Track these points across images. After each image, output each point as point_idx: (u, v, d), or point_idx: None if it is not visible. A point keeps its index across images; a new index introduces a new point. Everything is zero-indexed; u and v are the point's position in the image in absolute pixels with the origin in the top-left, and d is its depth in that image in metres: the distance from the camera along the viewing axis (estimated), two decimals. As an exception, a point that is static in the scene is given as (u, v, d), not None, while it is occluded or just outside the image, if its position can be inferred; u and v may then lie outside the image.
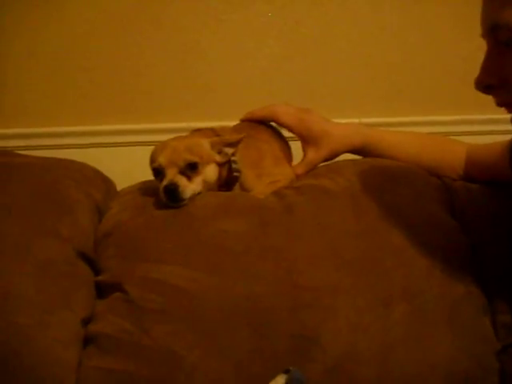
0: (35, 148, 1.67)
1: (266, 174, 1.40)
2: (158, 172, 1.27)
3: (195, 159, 1.26)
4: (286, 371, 1.08)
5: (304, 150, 1.48)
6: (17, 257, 1.18)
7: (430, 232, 1.31)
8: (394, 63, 1.92)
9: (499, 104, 1.05)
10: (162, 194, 1.25)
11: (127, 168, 1.64)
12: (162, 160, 1.26)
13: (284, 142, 1.52)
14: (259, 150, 1.42)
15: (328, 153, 1.46)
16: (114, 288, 1.21)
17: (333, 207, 1.31)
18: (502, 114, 1.47)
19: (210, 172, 1.30)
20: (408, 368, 1.15)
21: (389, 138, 1.50)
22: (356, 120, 1.86)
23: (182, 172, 1.25)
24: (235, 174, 1.35)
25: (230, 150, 1.33)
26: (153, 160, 1.29)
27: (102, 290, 1.24)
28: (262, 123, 1.50)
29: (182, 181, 1.24)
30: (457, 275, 1.26)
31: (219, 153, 1.32)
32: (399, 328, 1.18)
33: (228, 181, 1.37)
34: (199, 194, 1.29)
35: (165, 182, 1.24)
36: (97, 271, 1.28)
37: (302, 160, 1.48)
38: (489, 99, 1.87)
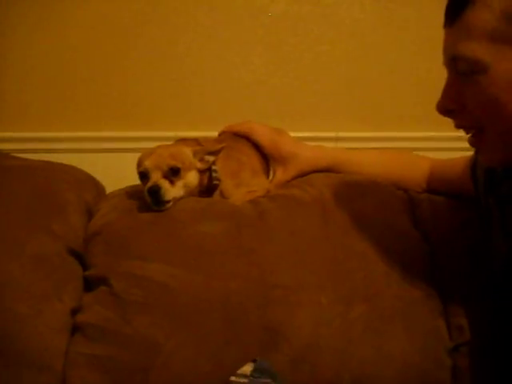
0: (31, 151, 1.74)
1: (244, 184, 1.51)
2: (144, 175, 1.37)
3: (178, 164, 1.36)
4: (254, 360, 1.19)
5: (273, 169, 1.58)
6: (13, 251, 1.29)
7: (392, 239, 1.41)
8: (371, 81, 2.01)
9: (457, 126, 1.12)
10: (146, 195, 1.35)
11: (117, 173, 1.70)
12: (147, 164, 1.36)
13: (263, 155, 1.61)
14: (239, 162, 1.53)
15: (295, 173, 1.55)
16: (101, 282, 1.31)
17: (302, 214, 1.41)
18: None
19: (191, 177, 1.41)
20: (366, 360, 1.26)
21: (354, 158, 1.59)
22: (333, 133, 1.96)
23: (166, 176, 1.35)
24: (215, 182, 1.46)
25: (210, 158, 1.43)
26: (139, 164, 1.40)
27: (90, 284, 1.35)
28: (242, 136, 1.60)
29: (164, 184, 1.34)
30: (414, 279, 1.36)
31: (200, 160, 1.42)
32: (358, 324, 1.28)
33: (209, 188, 1.47)
34: (181, 198, 1.39)
35: (149, 184, 1.34)
36: (85, 266, 1.38)
37: (271, 180, 1.58)
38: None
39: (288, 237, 1.37)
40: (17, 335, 1.21)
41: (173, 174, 1.36)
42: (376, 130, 2.03)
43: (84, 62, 1.88)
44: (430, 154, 1.63)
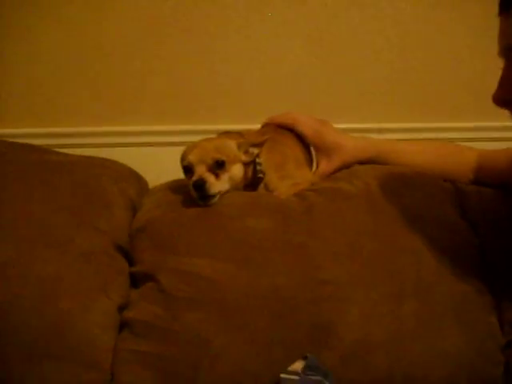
0: (74, 146, 1.75)
1: (289, 177, 1.48)
2: (188, 169, 1.36)
3: (222, 157, 1.34)
4: (304, 357, 1.17)
5: (317, 161, 1.56)
6: (62, 248, 1.29)
7: (441, 233, 1.38)
8: (414, 70, 1.97)
9: None
10: (191, 190, 1.33)
11: (158, 167, 1.71)
12: (192, 158, 1.35)
13: (306, 147, 1.59)
14: (283, 154, 1.50)
15: (339, 164, 1.53)
16: (148, 278, 1.31)
17: (350, 208, 1.39)
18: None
19: (236, 170, 1.39)
20: (417, 357, 1.23)
21: (399, 148, 1.56)
22: (376, 125, 1.93)
23: (210, 170, 1.33)
24: (259, 175, 1.44)
25: (255, 151, 1.41)
26: (183, 158, 1.38)
27: (136, 280, 1.34)
28: (285, 128, 1.58)
29: (209, 178, 1.32)
30: (465, 274, 1.33)
31: (245, 153, 1.41)
32: (409, 320, 1.26)
33: (253, 181, 1.45)
34: (226, 192, 1.37)
35: (194, 178, 1.32)
36: (131, 262, 1.37)
37: (315, 171, 1.55)
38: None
39: (336, 231, 1.34)
40: (65, 332, 1.21)
41: (218, 167, 1.34)
42: (420, 121, 1.99)
43: (125, 56, 1.86)
44: (476, 145, 1.59)
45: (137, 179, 1.59)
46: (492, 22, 1.07)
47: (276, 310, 1.24)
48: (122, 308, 1.30)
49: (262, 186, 1.46)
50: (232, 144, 1.40)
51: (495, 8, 1.03)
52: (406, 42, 1.96)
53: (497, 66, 1.05)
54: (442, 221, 1.41)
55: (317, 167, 1.56)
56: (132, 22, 1.88)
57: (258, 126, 1.58)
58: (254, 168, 1.44)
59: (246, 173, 1.42)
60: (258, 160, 1.44)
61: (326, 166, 1.53)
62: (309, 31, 1.92)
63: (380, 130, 1.93)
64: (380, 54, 1.96)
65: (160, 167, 1.71)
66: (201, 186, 1.31)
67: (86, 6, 1.84)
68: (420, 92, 2.00)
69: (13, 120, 1.91)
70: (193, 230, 1.33)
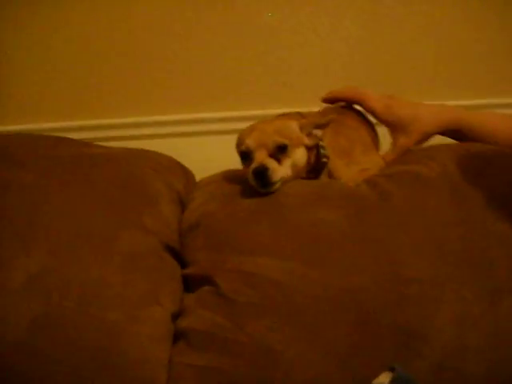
0: (112, 139, 1.63)
1: (356, 163, 1.34)
2: (246, 155, 1.22)
3: (285, 141, 1.20)
4: (391, 369, 1.01)
5: (393, 137, 1.40)
6: (102, 250, 1.15)
7: None
8: (479, 43, 1.82)
9: None
10: (250, 178, 1.19)
11: (204, 158, 1.59)
12: (250, 142, 1.21)
13: (372, 127, 1.46)
14: (348, 138, 1.36)
15: (419, 136, 1.38)
16: (204, 281, 1.16)
17: (429, 193, 1.23)
18: None
19: (300, 155, 1.24)
20: (519, 364, 1.08)
21: (485, 120, 1.41)
22: (438, 103, 1.76)
23: (271, 155, 1.20)
24: (323, 159, 1.29)
25: (319, 133, 1.27)
26: (240, 143, 1.24)
27: (190, 284, 1.20)
28: (348, 108, 1.44)
29: (271, 163, 1.18)
30: None
31: (308, 135, 1.26)
32: (508, 320, 1.10)
33: (316, 167, 1.30)
34: (289, 179, 1.24)
35: (254, 165, 1.18)
36: (183, 264, 1.23)
37: (392, 147, 1.40)
38: None
39: (418, 221, 1.18)
40: (112, 347, 1.07)
41: (280, 151, 1.20)
42: (483, 97, 1.82)
43: (162, 39, 1.72)
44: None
45: (183, 171, 1.46)
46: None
47: (355, 314, 1.08)
48: (175, 316, 1.16)
49: (325, 172, 1.32)
50: (294, 125, 1.25)
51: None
52: (468, 12, 1.81)
53: None
54: None
55: (394, 144, 1.41)
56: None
57: (307, 109, 1.43)
58: (317, 152, 1.29)
59: (308, 157, 1.28)
60: (321, 143, 1.29)
61: (404, 140, 1.39)
62: (361, 5, 1.76)
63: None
64: (439, 25, 1.81)
65: (206, 158, 1.60)
66: (262, 173, 1.17)
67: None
68: (485, 66, 1.84)
69: (43, 114, 1.78)
70: (254, 225, 1.18)
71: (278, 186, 1.20)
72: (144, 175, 1.31)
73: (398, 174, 1.29)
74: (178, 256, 1.24)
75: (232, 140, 1.64)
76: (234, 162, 1.44)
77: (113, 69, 1.73)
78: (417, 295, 1.10)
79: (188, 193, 1.37)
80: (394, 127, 1.39)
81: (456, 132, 1.40)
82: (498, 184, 1.26)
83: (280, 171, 1.19)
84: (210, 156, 1.62)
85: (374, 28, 1.77)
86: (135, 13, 1.71)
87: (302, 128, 1.25)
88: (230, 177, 1.34)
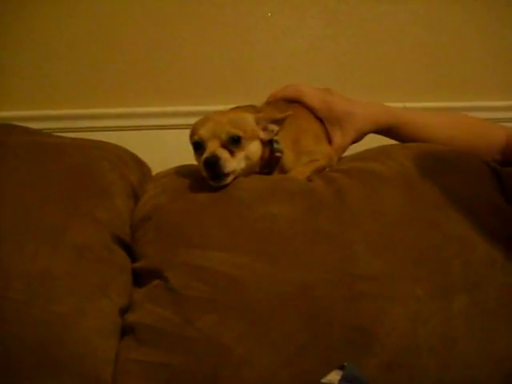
0: (69, 130, 1.59)
1: (306, 153, 1.32)
2: (199, 145, 1.19)
3: (239, 133, 1.18)
4: (341, 367, 1.01)
5: (330, 134, 1.40)
6: (52, 240, 1.12)
7: (489, 218, 1.22)
8: (440, 45, 1.82)
9: None
10: (202, 168, 1.17)
11: (161, 152, 1.56)
12: (203, 133, 1.18)
13: (320, 120, 1.43)
14: (299, 128, 1.34)
15: (354, 134, 1.39)
16: (154, 275, 1.14)
17: (385, 191, 1.23)
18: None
19: (254, 148, 1.22)
20: (471, 363, 1.08)
21: (420, 119, 1.43)
22: (400, 104, 1.76)
23: (224, 146, 1.17)
24: (277, 154, 1.27)
25: (275, 128, 1.24)
26: (193, 133, 1.22)
27: (140, 278, 1.17)
28: (295, 104, 1.42)
29: (224, 154, 1.16)
30: None
31: (264, 130, 1.24)
32: (460, 320, 1.10)
33: (270, 162, 1.28)
34: (242, 173, 1.21)
35: (205, 155, 1.16)
36: (134, 257, 1.20)
37: (331, 146, 1.40)
38: None
39: (372, 218, 1.17)
40: (58, 340, 1.05)
41: (233, 143, 1.17)
42: (446, 100, 1.82)
43: (124, 31, 1.68)
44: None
45: (138, 164, 1.42)
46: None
47: (306, 310, 1.07)
48: (124, 310, 1.13)
49: (278, 168, 1.30)
50: (250, 118, 1.23)
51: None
52: (432, 13, 1.80)
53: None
54: (488, 205, 1.26)
55: (331, 143, 1.40)
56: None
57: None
58: (271, 147, 1.27)
59: (263, 152, 1.25)
60: (275, 138, 1.27)
61: (340, 138, 1.39)
62: (325, 3, 1.74)
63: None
64: (402, 25, 1.79)
65: (163, 152, 1.57)
66: (213, 163, 1.14)
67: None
68: (445, 69, 1.85)
69: (4, 102, 1.73)
70: (206, 219, 1.16)
71: (230, 179, 1.18)
72: (98, 166, 1.28)
73: (355, 171, 1.28)
74: (129, 249, 1.21)
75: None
76: (192, 157, 1.43)
77: (71, 59, 1.69)
78: (369, 292, 1.09)
79: (143, 185, 1.34)
80: (331, 124, 1.40)
81: (391, 130, 1.41)
82: (453, 184, 1.26)
83: (232, 163, 1.17)
84: (169, 150, 1.60)
85: (337, 26, 1.76)
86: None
87: (257, 121, 1.23)
88: (184, 171, 1.31)
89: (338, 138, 1.39)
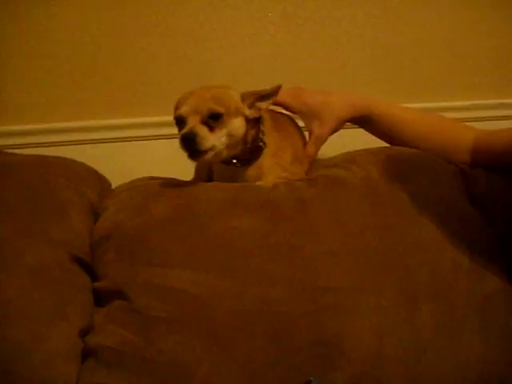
0: (25, 146, 1.55)
1: (282, 167, 1.31)
2: (180, 121, 1.18)
3: (220, 109, 1.17)
4: (308, 382, 1.00)
5: (308, 128, 1.39)
6: (6, 263, 1.08)
7: (455, 224, 1.22)
8: (400, 48, 1.81)
9: None
10: (180, 144, 1.16)
11: (123, 165, 1.54)
12: (184, 108, 1.18)
13: (304, 138, 1.44)
14: (285, 140, 1.34)
15: (333, 123, 1.38)
16: (115, 295, 1.11)
17: (349, 199, 1.21)
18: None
19: (237, 125, 1.21)
20: (439, 372, 1.07)
21: (398, 112, 1.43)
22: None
23: (205, 122, 1.16)
24: (261, 143, 1.27)
25: (262, 105, 1.24)
26: (176, 107, 1.21)
27: (101, 298, 1.14)
28: (285, 114, 1.43)
29: (202, 130, 1.15)
30: (485, 270, 1.18)
31: (250, 107, 1.23)
32: (427, 329, 1.09)
33: (252, 149, 1.27)
34: (223, 150, 1.20)
35: (183, 130, 1.15)
36: (94, 277, 1.17)
37: (310, 138, 1.39)
38: (502, 84, 1.76)
39: (335, 228, 1.16)
40: (17, 367, 1.00)
41: (214, 119, 1.17)
42: (407, 101, 1.81)
43: (82, 43, 1.63)
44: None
45: (97, 179, 1.39)
46: None
47: (270, 327, 1.05)
48: (84, 332, 1.09)
49: (256, 164, 1.29)
50: (234, 94, 1.23)
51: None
52: (391, 17, 1.79)
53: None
54: (454, 210, 1.26)
55: (310, 135, 1.40)
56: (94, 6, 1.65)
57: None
58: (257, 133, 1.27)
59: (247, 133, 1.24)
60: (262, 127, 1.27)
61: (319, 128, 1.38)
62: (284, 6, 1.72)
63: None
64: (363, 29, 1.77)
65: (123, 165, 1.56)
66: (190, 139, 1.14)
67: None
68: (407, 71, 1.84)
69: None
70: (166, 235, 1.14)
71: (209, 155, 1.17)
72: (54, 184, 1.24)
73: (319, 178, 1.27)
74: (89, 268, 1.18)
75: (150, 146, 1.60)
76: (152, 169, 1.40)
77: (25, 73, 1.64)
78: (333, 305, 1.07)
79: (102, 202, 1.31)
80: (308, 117, 1.38)
81: (367, 118, 1.40)
82: (418, 189, 1.26)
83: (211, 139, 1.16)
84: (129, 162, 1.57)
85: (297, 31, 1.73)
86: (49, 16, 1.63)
87: (243, 98, 1.23)
88: (144, 184, 1.28)
89: (316, 128, 1.38)
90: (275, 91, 1.23)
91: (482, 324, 1.12)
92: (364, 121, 1.41)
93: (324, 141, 1.38)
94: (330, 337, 1.05)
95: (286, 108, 1.40)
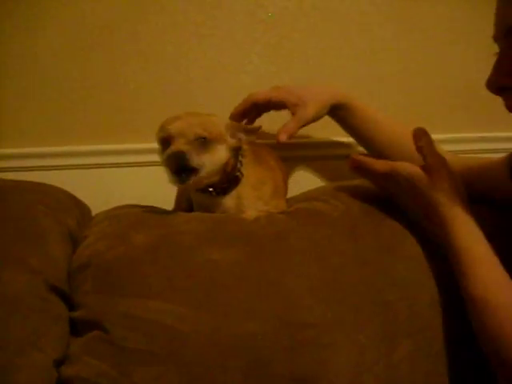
0: (2, 170, 1.54)
1: (263, 200, 1.32)
2: (165, 142, 1.18)
3: (206, 134, 1.17)
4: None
5: (293, 112, 1.40)
6: (-20, 292, 1.05)
7: (434, 259, 1.21)
8: (382, 79, 1.82)
9: (509, 107, 1.02)
10: (164, 164, 1.16)
11: (105, 192, 1.54)
12: (171, 130, 1.17)
13: (285, 172, 1.47)
14: (264, 173, 1.35)
15: (317, 106, 1.40)
16: (92, 326, 1.08)
17: (330, 234, 1.21)
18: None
19: (220, 151, 1.21)
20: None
21: (369, 113, 1.48)
22: (343, 138, 1.76)
23: (190, 145, 1.17)
24: (237, 173, 1.28)
25: (243, 137, 1.25)
26: (161, 129, 1.21)
27: (78, 328, 1.12)
28: (267, 147, 1.45)
29: (190, 150, 1.15)
30: (463, 307, 1.14)
31: (232, 136, 1.25)
32: (404, 365, 1.10)
33: (229, 178, 1.28)
34: (203, 178, 1.20)
35: (169, 151, 1.16)
36: (72, 306, 1.15)
37: (292, 118, 1.39)
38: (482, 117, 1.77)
39: (315, 263, 1.15)
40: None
41: (200, 144, 1.17)
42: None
43: (61, 67, 1.62)
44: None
45: (77, 206, 1.37)
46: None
47: (248, 362, 1.03)
48: (59, 362, 1.07)
49: (233, 195, 1.29)
50: (219, 122, 1.24)
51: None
52: (374, 49, 1.80)
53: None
54: (432, 245, 1.23)
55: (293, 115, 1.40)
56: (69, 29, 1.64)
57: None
58: (236, 163, 1.28)
59: (228, 162, 1.25)
60: (240, 158, 1.28)
61: (302, 110, 1.38)
62: (268, 37, 1.73)
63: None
64: (345, 61, 1.79)
65: (104, 192, 1.54)
66: (179, 157, 1.14)
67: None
68: (389, 102, 1.84)
69: None
70: (145, 266, 1.11)
71: (196, 178, 1.18)
72: (32, 211, 1.22)
73: (299, 211, 1.27)
74: (66, 298, 1.15)
75: (131, 173, 1.59)
76: (132, 196, 1.39)
77: (4, 94, 1.63)
78: (311, 341, 1.06)
79: (82, 229, 1.29)
80: (292, 103, 1.39)
81: (344, 107, 1.44)
82: (398, 224, 1.25)
83: (199, 158, 1.17)
84: (108, 189, 1.56)
85: (280, 62, 1.74)
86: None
87: (227, 128, 1.24)
88: (124, 213, 1.27)
89: (300, 110, 1.38)
90: (257, 129, 1.25)
91: (458, 360, 1.12)
92: (342, 110, 1.45)
93: (306, 122, 1.39)
94: (308, 373, 1.04)
95: (270, 104, 1.42)
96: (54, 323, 1.10)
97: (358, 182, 1.37)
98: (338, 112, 1.46)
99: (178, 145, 1.16)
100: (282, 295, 1.10)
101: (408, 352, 1.10)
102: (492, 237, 1.12)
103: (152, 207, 1.33)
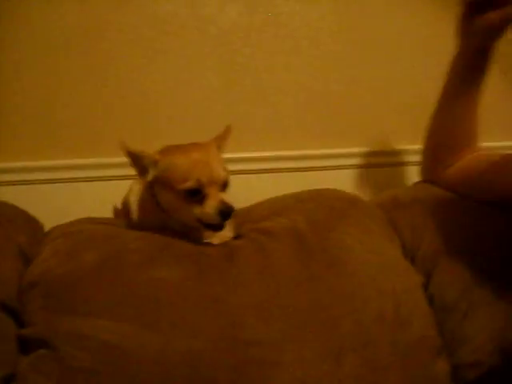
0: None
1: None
2: (196, 191, 1.17)
3: (229, 176, 1.20)
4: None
5: None
6: None
7: (381, 272, 1.25)
8: (332, 94, 1.85)
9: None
10: (213, 217, 1.17)
11: (55, 206, 1.54)
12: (202, 179, 1.16)
13: None
14: None
15: None
16: (40, 344, 1.09)
17: (276, 251, 1.23)
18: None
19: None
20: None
21: None
22: (298, 152, 1.80)
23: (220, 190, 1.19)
24: None
25: None
26: (187, 178, 1.17)
27: (27, 346, 1.12)
28: None
29: (229, 199, 1.18)
30: (409, 319, 1.21)
31: None
32: (350, 380, 1.11)
33: None
34: None
35: (214, 203, 1.16)
36: (21, 324, 1.15)
37: None
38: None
39: (262, 280, 1.17)
40: None
41: (224, 188, 1.20)
42: (337, 147, 1.87)
43: (13, 81, 1.62)
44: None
45: (28, 222, 1.37)
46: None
47: (192, 380, 1.05)
48: (7, 380, 1.07)
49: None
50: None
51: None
52: (323, 64, 1.83)
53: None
54: (382, 256, 1.30)
55: None
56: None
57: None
58: None
59: None
60: None
61: None
62: (220, 52, 1.75)
63: (301, 157, 1.80)
64: (298, 77, 1.81)
65: (57, 207, 1.54)
66: (231, 211, 1.17)
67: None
68: (339, 116, 1.87)
69: None
70: (91, 285, 1.13)
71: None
72: (-21, 227, 1.22)
73: (247, 232, 1.29)
74: (17, 315, 1.15)
75: (84, 188, 1.59)
76: (85, 211, 1.40)
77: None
78: (256, 358, 1.08)
79: (33, 245, 1.29)
80: None
81: None
82: (344, 237, 1.28)
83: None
84: (61, 204, 1.56)
85: (233, 76, 1.76)
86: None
87: None
88: (78, 230, 1.28)
89: None
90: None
91: (405, 373, 1.15)
92: None
93: None
94: (253, 390, 1.05)
95: None
96: (2, 340, 1.10)
97: (305, 194, 1.41)
98: None
99: (216, 196, 1.17)
100: (227, 313, 1.11)
101: (354, 367, 1.12)
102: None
103: (109, 220, 1.34)
